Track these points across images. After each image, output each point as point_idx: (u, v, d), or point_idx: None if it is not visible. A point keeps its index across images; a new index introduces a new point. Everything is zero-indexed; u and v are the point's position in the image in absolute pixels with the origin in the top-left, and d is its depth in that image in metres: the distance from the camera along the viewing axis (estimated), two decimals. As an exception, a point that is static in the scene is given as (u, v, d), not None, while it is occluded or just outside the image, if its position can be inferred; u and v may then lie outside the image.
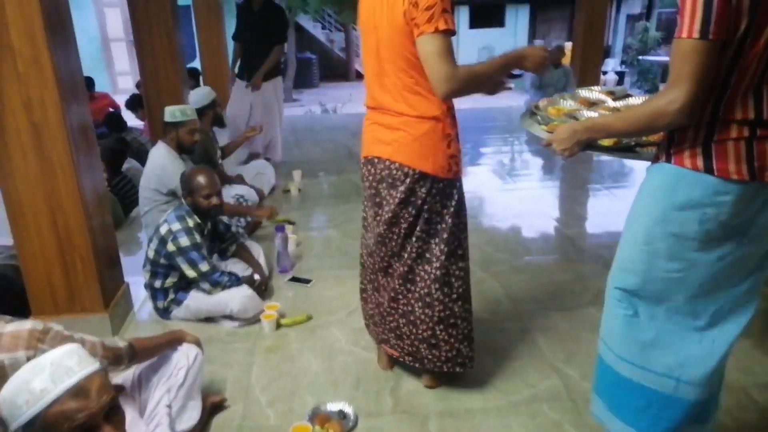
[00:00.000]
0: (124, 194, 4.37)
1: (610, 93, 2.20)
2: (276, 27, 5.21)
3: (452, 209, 2.01)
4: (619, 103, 2.08)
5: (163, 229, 2.69)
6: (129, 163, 4.78)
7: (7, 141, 2.32)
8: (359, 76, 15.52)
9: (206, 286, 2.71)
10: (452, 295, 2.07)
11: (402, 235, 2.03)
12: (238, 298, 2.72)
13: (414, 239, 2.02)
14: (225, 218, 3.19)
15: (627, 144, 1.70)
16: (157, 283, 2.77)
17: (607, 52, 13.73)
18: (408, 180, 1.95)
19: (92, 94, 7.27)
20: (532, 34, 17.83)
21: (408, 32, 1.78)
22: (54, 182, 2.41)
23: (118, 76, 11.74)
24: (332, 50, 17.59)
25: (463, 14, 17.52)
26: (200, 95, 4.16)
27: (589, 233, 3.93)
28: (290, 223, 4.05)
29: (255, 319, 2.77)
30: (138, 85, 7.08)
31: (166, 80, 4.58)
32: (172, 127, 3.33)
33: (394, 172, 1.97)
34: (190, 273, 2.68)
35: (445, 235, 2.01)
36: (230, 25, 9.28)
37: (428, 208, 1.98)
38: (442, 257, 2.01)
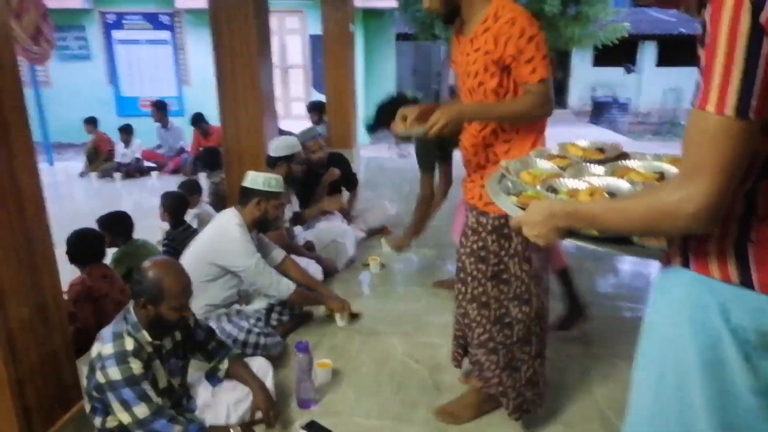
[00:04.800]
0: (182, 249, 3.79)
1: (600, 150, 1.72)
2: None
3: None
4: (601, 173, 1.54)
5: (95, 349, 1.94)
6: (200, 208, 4.24)
7: None
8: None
9: (144, 440, 1.87)
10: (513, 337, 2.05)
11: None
12: (190, 468, 1.84)
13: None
14: (202, 318, 2.41)
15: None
16: (97, 421, 1.99)
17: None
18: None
19: (207, 129, 7.22)
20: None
21: None
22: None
23: (292, 102, 11.96)
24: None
25: (648, 50, 15.39)
26: (281, 144, 3.54)
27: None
28: (353, 315, 3.12)
29: (217, 501, 1.87)
30: (309, 108, 6.73)
31: (246, 124, 3.96)
32: (264, 197, 2.67)
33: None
34: (123, 417, 1.86)
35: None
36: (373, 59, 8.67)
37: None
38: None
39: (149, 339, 1.93)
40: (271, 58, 4.10)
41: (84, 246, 2.95)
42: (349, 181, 4.44)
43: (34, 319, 1.93)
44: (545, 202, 1.22)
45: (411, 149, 3.42)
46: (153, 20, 10.66)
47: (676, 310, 1.05)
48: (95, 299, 2.90)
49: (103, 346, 1.88)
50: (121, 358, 1.84)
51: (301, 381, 2.38)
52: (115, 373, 1.83)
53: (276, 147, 3.54)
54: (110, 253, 3.47)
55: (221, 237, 2.65)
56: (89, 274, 2.92)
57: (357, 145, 7.24)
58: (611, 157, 1.65)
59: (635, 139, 12.56)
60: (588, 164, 1.59)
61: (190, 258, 2.71)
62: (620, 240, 1.23)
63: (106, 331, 1.92)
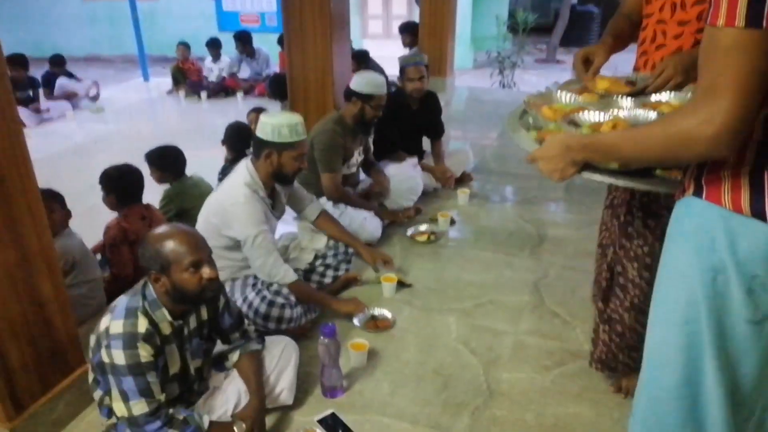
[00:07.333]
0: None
1: (630, 83, 1.62)
2: None
3: None
4: (629, 106, 1.49)
5: (103, 322, 1.66)
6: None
7: None
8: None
9: (129, 436, 1.63)
10: None
11: None
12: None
13: None
14: (238, 302, 2.09)
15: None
16: (97, 395, 1.77)
17: None
18: None
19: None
20: None
21: None
22: None
23: (394, 20, 11.24)
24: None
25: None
26: (363, 80, 2.99)
27: None
28: (403, 284, 2.73)
29: None
30: (401, 29, 6.07)
31: (313, 50, 3.53)
32: (275, 149, 2.21)
33: None
34: (118, 408, 1.63)
35: None
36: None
37: None
38: None
39: (170, 318, 1.65)
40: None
41: (121, 183, 2.74)
42: (435, 129, 3.77)
43: (13, 268, 1.72)
44: (560, 135, 1.18)
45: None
46: (257, -70, 10.22)
47: (686, 241, 1.02)
48: (132, 242, 2.71)
49: (112, 322, 1.61)
50: (130, 341, 1.58)
51: (326, 367, 2.05)
52: (119, 357, 1.57)
53: (357, 80, 3.00)
54: (161, 190, 3.27)
55: (226, 197, 2.22)
56: (126, 216, 2.73)
57: (452, 73, 6.55)
58: (640, 90, 1.54)
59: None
60: (617, 98, 1.53)
61: (201, 222, 2.31)
62: (640, 173, 1.15)
63: (120, 304, 1.65)
